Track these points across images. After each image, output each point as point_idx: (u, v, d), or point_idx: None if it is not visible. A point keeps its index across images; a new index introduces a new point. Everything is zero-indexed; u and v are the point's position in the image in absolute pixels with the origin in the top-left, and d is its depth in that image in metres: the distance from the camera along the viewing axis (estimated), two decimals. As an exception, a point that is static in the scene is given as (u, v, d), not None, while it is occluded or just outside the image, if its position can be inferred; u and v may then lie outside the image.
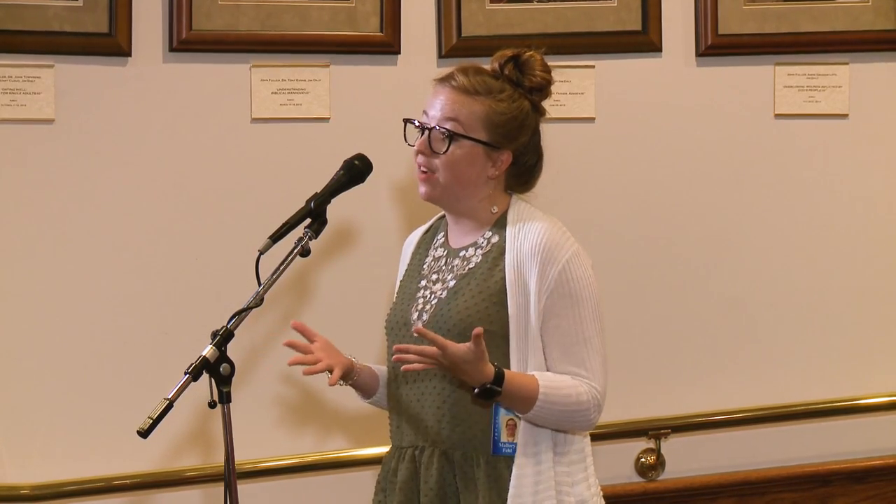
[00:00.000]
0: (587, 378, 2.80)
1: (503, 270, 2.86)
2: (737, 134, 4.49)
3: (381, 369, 3.09)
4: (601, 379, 2.82)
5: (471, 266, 2.90)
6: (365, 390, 3.06)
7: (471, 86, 2.89)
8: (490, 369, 2.73)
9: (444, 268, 2.95)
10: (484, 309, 2.83)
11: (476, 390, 2.74)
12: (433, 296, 2.92)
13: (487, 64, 2.98)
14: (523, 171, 2.96)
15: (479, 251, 2.91)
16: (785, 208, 4.52)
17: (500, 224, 2.92)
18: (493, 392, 2.74)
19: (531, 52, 2.95)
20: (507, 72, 2.93)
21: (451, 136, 2.87)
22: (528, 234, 2.86)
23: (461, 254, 2.93)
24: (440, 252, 2.99)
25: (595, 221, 4.36)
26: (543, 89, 2.96)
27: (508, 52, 2.95)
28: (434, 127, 2.89)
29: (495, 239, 2.91)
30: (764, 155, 4.50)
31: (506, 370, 2.76)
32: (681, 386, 4.46)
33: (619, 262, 4.39)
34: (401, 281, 3.05)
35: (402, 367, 2.76)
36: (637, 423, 4.40)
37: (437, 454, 2.86)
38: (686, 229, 4.47)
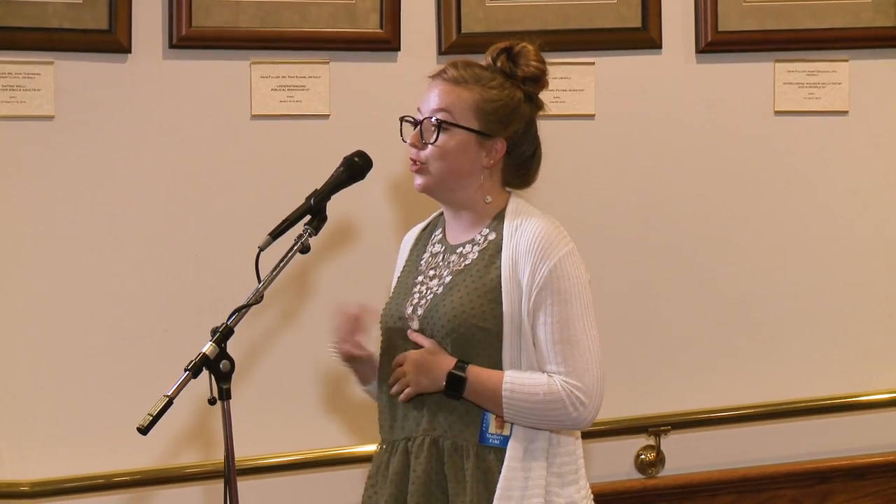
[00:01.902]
0: (564, 375, 2.79)
1: (499, 268, 2.86)
2: (737, 131, 4.49)
3: None
4: (585, 377, 2.79)
5: (467, 262, 2.90)
6: (364, 379, 3.07)
7: (460, 76, 2.90)
8: (452, 359, 2.82)
9: (440, 264, 2.95)
10: (479, 306, 2.84)
11: (444, 383, 2.81)
12: (429, 291, 2.92)
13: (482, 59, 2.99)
14: (519, 163, 2.95)
15: (476, 248, 2.91)
16: (785, 205, 4.52)
17: (497, 221, 2.92)
18: (458, 379, 2.80)
19: (524, 44, 2.96)
20: (499, 63, 2.93)
21: (440, 125, 2.88)
22: (525, 232, 2.86)
23: (458, 250, 2.94)
24: (437, 248, 2.99)
25: (594, 218, 4.36)
26: (538, 79, 2.96)
27: (501, 45, 2.96)
28: (426, 118, 2.90)
29: (492, 236, 2.91)
30: (764, 152, 4.50)
31: (473, 365, 2.82)
32: (680, 383, 4.47)
33: (618, 258, 4.39)
34: (398, 277, 3.06)
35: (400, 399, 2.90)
36: (637, 420, 4.40)
37: (427, 442, 2.86)
38: (686, 226, 4.47)
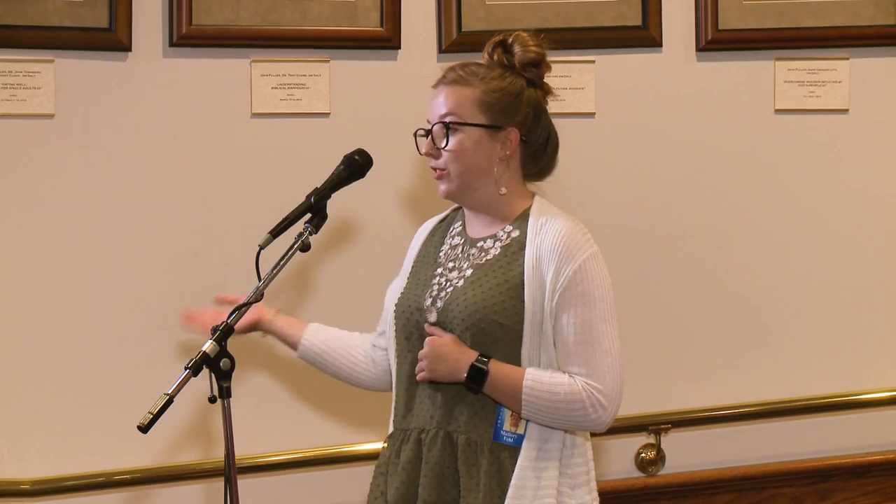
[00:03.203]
0: (585, 376, 2.80)
1: (522, 265, 2.86)
2: (737, 129, 4.49)
3: (334, 333, 3.20)
4: (606, 379, 2.80)
5: (489, 257, 2.91)
6: (287, 341, 3.17)
7: (459, 76, 2.93)
8: (474, 352, 2.82)
9: (460, 256, 2.96)
10: (500, 302, 2.84)
11: (465, 375, 2.81)
12: (449, 283, 2.92)
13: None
14: (535, 151, 2.96)
15: (499, 244, 2.92)
16: (785, 203, 4.52)
17: (521, 220, 2.93)
18: (480, 371, 2.79)
19: (517, 32, 2.98)
20: (496, 57, 2.96)
21: (448, 127, 2.89)
22: (550, 231, 2.87)
23: (479, 244, 2.94)
24: (457, 240, 3.00)
25: (595, 216, 4.34)
26: (538, 63, 2.98)
27: (495, 39, 2.99)
28: (435, 125, 2.92)
29: (516, 234, 2.92)
30: (764, 150, 4.50)
31: (494, 360, 2.81)
32: (681, 381, 4.47)
33: (618, 257, 4.37)
34: (413, 266, 3.05)
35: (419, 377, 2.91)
36: (637, 419, 4.40)
37: (441, 435, 2.87)
38: (686, 224, 4.47)
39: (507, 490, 2.81)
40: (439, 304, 2.91)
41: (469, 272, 2.91)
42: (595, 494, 2.91)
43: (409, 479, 2.89)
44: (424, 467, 2.87)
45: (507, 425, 2.85)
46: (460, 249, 2.97)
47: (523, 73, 2.95)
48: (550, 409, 2.79)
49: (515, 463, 2.82)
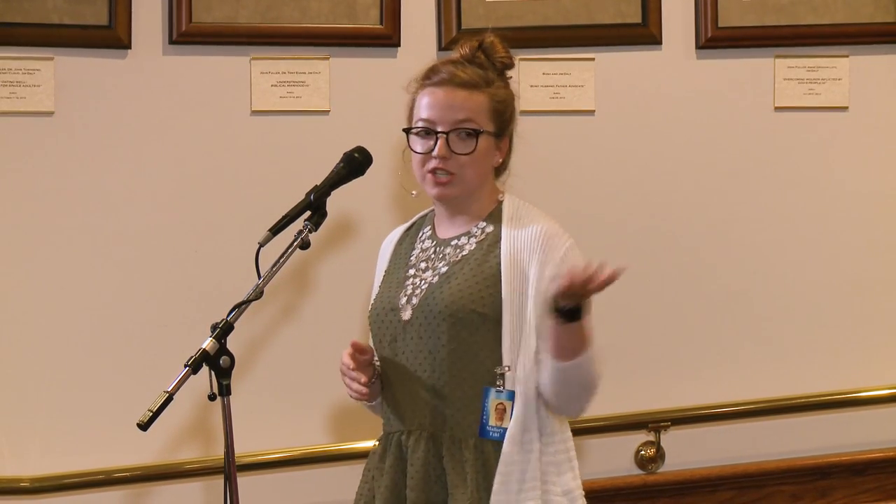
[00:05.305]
0: None
1: (498, 256, 2.86)
2: (737, 127, 4.49)
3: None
4: None
5: (464, 253, 2.91)
6: (372, 395, 3.02)
7: (470, 79, 2.90)
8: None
9: (433, 256, 2.95)
10: (477, 292, 2.84)
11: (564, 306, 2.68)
12: (423, 282, 2.91)
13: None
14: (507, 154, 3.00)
15: (473, 240, 2.92)
16: (785, 201, 4.52)
17: (494, 216, 2.93)
18: (575, 312, 2.69)
19: (492, 39, 2.96)
20: (479, 59, 2.93)
21: (477, 135, 2.87)
22: (527, 224, 2.87)
23: (453, 243, 2.94)
24: (428, 244, 2.99)
25: (594, 214, 4.36)
26: (512, 67, 2.98)
27: (474, 42, 2.95)
28: (453, 130, 2.86)
29: (490, 229, 2.91)
30: (764, 148, 4.50)
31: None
32: (680, 379, 4.47)
33: (618, 254, 4.33)
34: (384, 273, 3.04)
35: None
36: (637, 416, 4.40)
37: (424, 437, 2.86)
38: (686, 222, 4.47)
39: (492, 483, 2.81)
40: (414, 301, 2.90)
41: (444, 269, 2.91)
42: (579, 481, 2.90)
43: (394, 483, 2.88)
44: (410, 469, 2.87)
45: (492, 421, 2.84)
46: (432, 251, 2.97)
47: (506, 79, 2.95)
48: (585, 383, 2.78)
49: (499, 454, 2.82)
